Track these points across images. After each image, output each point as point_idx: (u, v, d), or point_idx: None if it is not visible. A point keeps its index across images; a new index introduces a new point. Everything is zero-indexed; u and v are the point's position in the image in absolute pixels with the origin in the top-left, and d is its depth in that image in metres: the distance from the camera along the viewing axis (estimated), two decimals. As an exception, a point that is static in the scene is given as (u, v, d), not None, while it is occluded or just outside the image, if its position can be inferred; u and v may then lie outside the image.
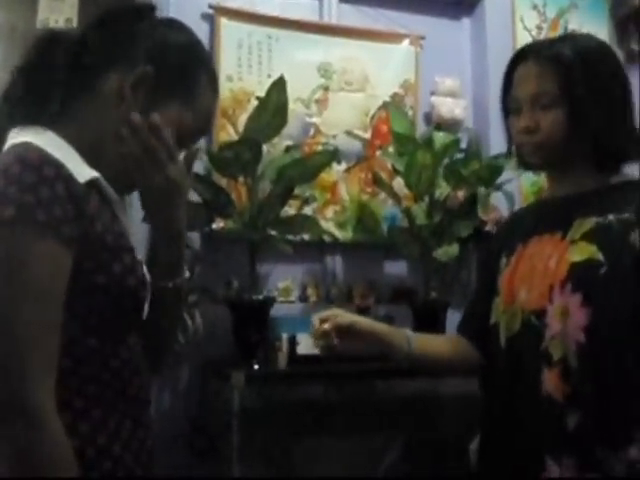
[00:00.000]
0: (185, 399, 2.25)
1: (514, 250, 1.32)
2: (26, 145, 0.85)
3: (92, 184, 0.88)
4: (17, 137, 0.87)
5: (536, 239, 1.29)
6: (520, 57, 1.30)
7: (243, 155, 2.03)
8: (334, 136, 2.62)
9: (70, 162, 0.86)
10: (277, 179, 2.06)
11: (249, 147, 2.02)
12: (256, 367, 2.01)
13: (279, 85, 2.06)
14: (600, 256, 1.17)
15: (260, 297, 2.09)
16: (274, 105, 2.07)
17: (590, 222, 1.21)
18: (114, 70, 0.93)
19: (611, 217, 1.19)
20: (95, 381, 0.88)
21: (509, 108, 1.31)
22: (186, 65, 0.98)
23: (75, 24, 1.90)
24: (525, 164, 1.34)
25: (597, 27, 3.01)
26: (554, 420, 1.20)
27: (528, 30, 2.91)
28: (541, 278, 1.23)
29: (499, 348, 1.31)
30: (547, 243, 1.26)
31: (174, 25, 1.02)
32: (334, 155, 2.19)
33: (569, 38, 1.32)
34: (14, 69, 0.94)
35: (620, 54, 3.00)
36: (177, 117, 0.96)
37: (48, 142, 0.86)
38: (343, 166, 2.61)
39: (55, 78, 0.91)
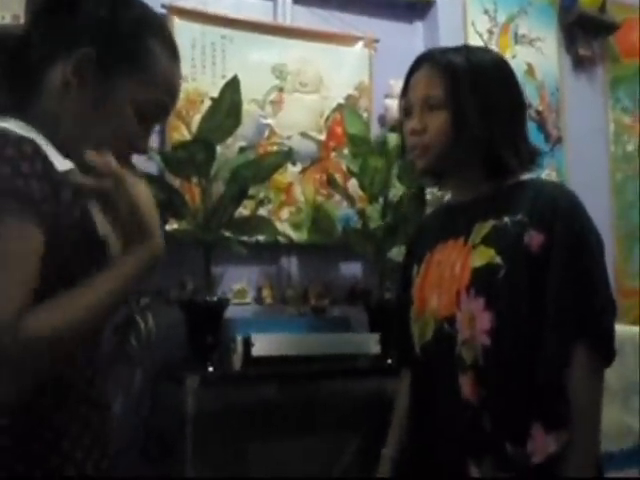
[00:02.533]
0: (138, 403, 2.21)
1: (423, 258, 1.35)
2: (3, 128, 0.83)
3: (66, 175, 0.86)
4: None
5: (441, 245, 1.32)
6: (417, 64, 1.35)
7: (197, 155, 2.01)
8: (289, 137, 2.61)
9: (47, 149, 0.84)
10: (231, 180, 2.04)
11: (203, 147, 2.00)
12: (210, 369, 1.99)
13: (233, 85, 2.05)
14: (498, 259, 1.21)
15: (214, 299, 2.07)
16: (228, 105, 2.06)
17: (488, 225, 1.26)
18: (60, 59, 0.90)
19: (506, 219, 1.24)
20: (59, 384, 0.86)
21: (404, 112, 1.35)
22: (133, 36, 0.94)
23: (22, 20, 1.85)
24: (418, 171, 1.35)
25: (546, 32, 3.09)
26: (472, 423, 1.22)
27: (479, 34, 2.95)
28: (449, 284, 1.26)
29: (415, 356, 1.33)
30: (452, 249, 1.29)
31: (119, 1, 0.97)
32: (288, 156, 2.19)
33: (465, 49, 1.37)
34: None
35: (568, 59, 3.09)
36: (132, 92, 0.93)
37: (23, 128, 0.85)
38: (298, 167, 2.61)
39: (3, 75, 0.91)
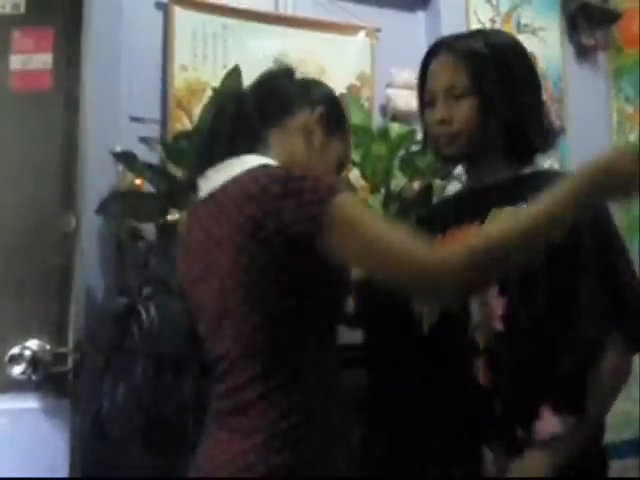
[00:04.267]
0: (140, 393, 2.21)
1: (434, 241, 1.34)
2: (268, 163, 1.13)
3: None
4: (246, 162, 1.13)
5: (455, 228, 1.32)
6: (434, 51, 1.33)
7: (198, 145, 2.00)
8: (290, 128, 2.60)
9: None
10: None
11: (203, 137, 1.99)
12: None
13: (234, 75, 2.04)
14: None
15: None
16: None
17: (505, 211, 1.25)
18: (299, 111, 1.23)
19: (524, 206, 1.24)
20: None
21: (425, 102, 1.33)
22: (337, 109, 1.29)
23: (23, 9, 1.84)
24: (442, 156, 1.36)
25: (549, 22, 3.07)
26: (485, 407, 1.23)
27: (482, 24, 2.94)
28: None
29: (420, 338, 1.33)
30: (466, 231, 1.30)
31: (317, 81, 1.37)
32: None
33: (480, 33, 1.37)
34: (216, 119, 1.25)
35: (571, 49, 3.07)
36: (338, 149, 1.27)
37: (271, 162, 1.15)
38: (300, 157, 2.60)
39: (251, 121, 1.20)
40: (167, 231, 2.29)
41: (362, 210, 1.06)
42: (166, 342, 2.15)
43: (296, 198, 1.02)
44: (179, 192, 2.05)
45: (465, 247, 0.98)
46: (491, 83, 1.27)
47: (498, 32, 1.46)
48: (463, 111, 1.28)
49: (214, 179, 1.15)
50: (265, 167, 1.12)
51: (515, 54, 1.33)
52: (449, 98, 1.29)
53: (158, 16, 2.51)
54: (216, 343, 1.18)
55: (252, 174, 1.09)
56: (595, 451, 1.27)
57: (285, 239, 1.04)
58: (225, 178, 1.13)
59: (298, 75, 1.33)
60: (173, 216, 2.22)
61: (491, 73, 1.28)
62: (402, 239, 1.00)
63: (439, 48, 1.34)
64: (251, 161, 1.13)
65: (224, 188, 1.12)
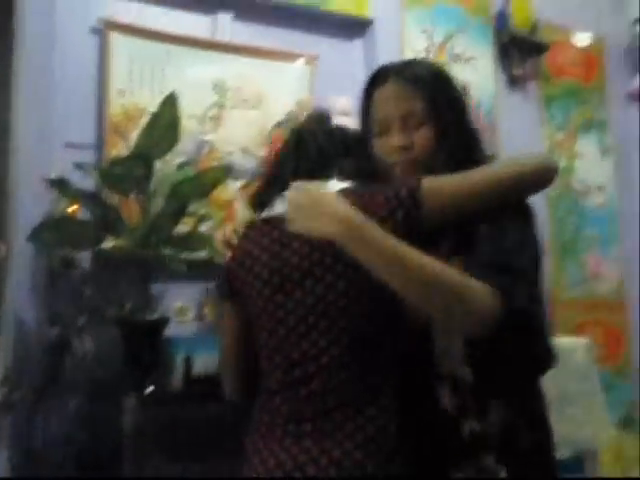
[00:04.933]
0: (74, 426, 2.14)
1: None
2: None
3: None
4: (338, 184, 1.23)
5: None
6: (379, 79, 1.33)
7: (134, 171, 1.98)
8: (230, 153, 2.60)
9: None
10: (170, 196, 2.01)
11: (141, 163, 1.97)
12: (150, 389, 1.94)
13: (171, 100, 2.03)
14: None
15: (152, 317, 2.03)
16: (166, 121, 2.04)
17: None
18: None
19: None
20: None
21: (373, 130, 1.34)
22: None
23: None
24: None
25: (481, 52, 3.17)
26: (451, 432, 1.23)
27: (417, 53, 3.01)
28: None
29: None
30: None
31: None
32: (228, 171, 2.18)
33: (418, 61, 1.40)
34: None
35: (503, 78, 3.17)
36: None
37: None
38: (239, 184, 2.60)
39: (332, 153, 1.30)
40: (102, 259, 2.25)
41: None
42: (102, 374, 2.10)
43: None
44: (114, 219, 2.01)
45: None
46: (444, 110, 1.30)
47: (430, 62, 1.50)
48: (422, 138, 1.29)
49: None
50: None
51: (451, 80, 1.37)
52: (407, 125, 1.30)
53: (94, 41, 2.48)
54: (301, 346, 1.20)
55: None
56: (547, 464, 1.29)
57: None
58: None
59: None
60: (108, 244, 2.18)
61: (442, 100, 1.31)
62: None
63: (385, 76, 1.34)
64: (340, 184, 1.24)
65: None
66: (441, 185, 1.19)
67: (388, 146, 1.31)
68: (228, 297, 1.31)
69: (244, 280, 1.27)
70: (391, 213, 1.16)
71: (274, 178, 1.34)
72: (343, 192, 1.20)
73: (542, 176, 1.26)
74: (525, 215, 1.27)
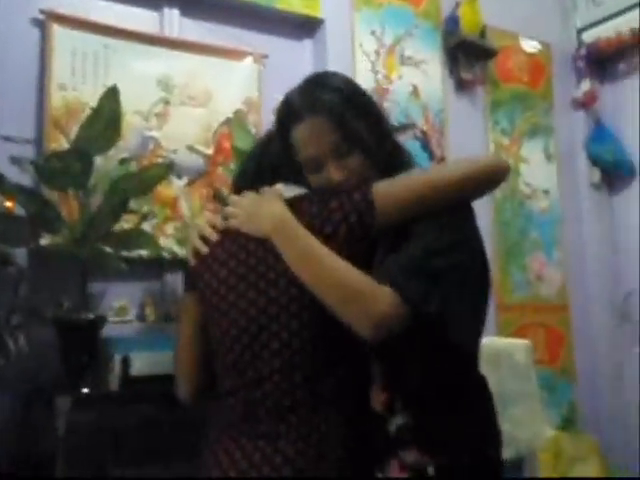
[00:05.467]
0: (7, 428, 2.07)
1: None
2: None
3: None
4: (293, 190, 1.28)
5: None
6: (291, 117, 1.30)
7: (72, 166, 1.92)
8: (175, 151, 2.56)
9: None
10: (110, 192, 1.96)
11: (79, 158, 1.92)
12: (85, 390, 1.89)
13: (112, 95, 1.98)
14: None
15: (89, 317, 1.97)
16: (107, 116, 1.99)
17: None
18: None
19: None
20: None
21: (304, 166, 1.32)
22: None
23: None
24: None
25: (431, 56, 3.20)
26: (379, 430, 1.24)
27: (367, 55, 3.02)
28: None
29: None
30: None
31: None
32: (170, 168, 2.13)
33: (323, 84, 1.32)
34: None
35: (451, 82, 3.20)
36: None
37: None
38: (184, 181, 2.56)
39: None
40: (41, 256, 2.19)
41: None
42: (36, 374, 2.04)
43: None
44: (51, 215, 1.96)
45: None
46: (368, 133, 1.29)
47: (335, 75, 1.46)
48: (356, 165, 1.29)
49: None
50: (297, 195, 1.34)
51: (361, 92, 1.36)
52: (338, 157, 1.29)
53: (34, 33, 2.41)
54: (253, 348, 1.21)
55: None
56: (491, 460, 1.29)
57: None
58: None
59: None
60: (46, 240, 2.12)
61: (363, 123, 1.30)
62: None
63: (299, 112, 1.31)
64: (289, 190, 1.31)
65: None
66: (392, 187, 1.21)
67: (326, 181, 1.29)
68: (191, 289, 1.34)
69: (202, 276, 1.29)
70: (345, 217, 1.18)
71: (241, 184, 1.40)
72: (297, 198, 1.25)
73: (492, 175, 1.27)
74: (464, 215, 1.28)
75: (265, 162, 1.41)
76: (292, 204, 1.25)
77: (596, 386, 3.49)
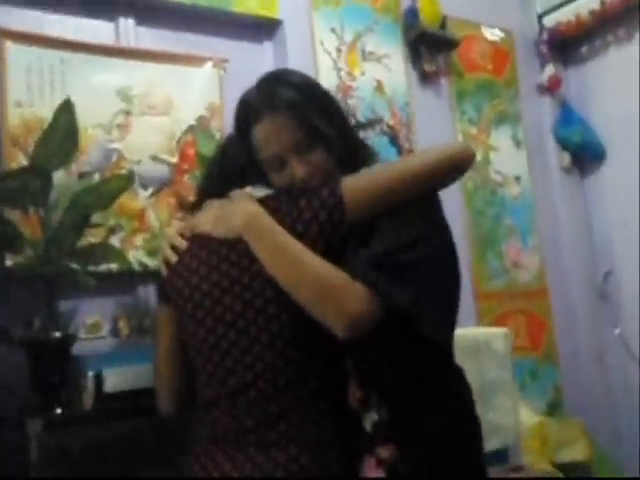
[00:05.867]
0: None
1: None
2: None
3: None
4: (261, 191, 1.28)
5: None
6: (250, 117, 1.28)
7: (31, 184, 1.89)
8: (138, 162, 2.53)
9: None
10: (70, 207, 1.93)
11: (36, 175, 1.88)
12: (58, 411, 1.86)
13: (66, 108, 1.95)
14: None
15: (56, 335, 1.94)
16: (63, 130, 1.95)
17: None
18: None
19: None
20: None
21: (266, 166, 1.30)
22: None
23: None
24: None
25: (392, 49, 3.19)
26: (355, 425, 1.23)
27: (328, 53, 3.00)
28: None
29: None
30: None
31: None
32: (130, 179, 2.10)
33: (280, 81, 1.32)
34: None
35: (415, 75, 3.20)
36: None
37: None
38: (150, 192, 2.53)
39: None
40: (4, 277, 2.15)
41: None
42: (7, 398, 2.00)
43: None
44: (12, 235, 1.92)
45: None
46: (327, 127, 1.28)
47: (291, 72, 1.45)
48: (319, 161, 1.28)
49: None
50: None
51: (320, 87, 1.36)
52: (301, 153, 1.27)
53: (-13, 51, 2.37)
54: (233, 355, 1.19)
55: None
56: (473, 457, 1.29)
57: None
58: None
59: None
60: (9, 261, 2.08)
61: (321, 115, 1.29)
62: None
63: (257, 112, 1.29)
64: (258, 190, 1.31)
65: None
66: (360, 182, 1.21)
67: (290, 179, 1.28)
68: (164, 301, 1.32)
69: (174, 286, 1.27)
70: (315, 215, 1.17)
71: (206, 189, 1.41)
72: (266, 198, 1.25)
73: (459, 161, 1.27)
74: (429, 206, 1.27)
75: (228, 165, 1.39)
76: (263, 203, 1.24)
77: (580, 369, 3.50)
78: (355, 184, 1.20)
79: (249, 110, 1.29)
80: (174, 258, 1.30)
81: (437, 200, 1.28)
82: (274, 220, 1.20)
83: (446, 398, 1.29)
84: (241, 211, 1.22)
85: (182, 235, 1.33)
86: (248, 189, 1.30)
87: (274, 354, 1.16)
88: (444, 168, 1.25)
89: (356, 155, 1.35)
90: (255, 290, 1.18)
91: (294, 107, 1.26)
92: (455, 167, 1.28)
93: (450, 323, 1.28)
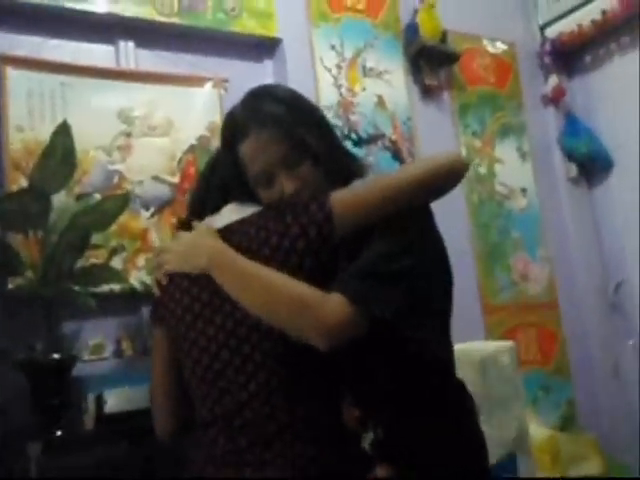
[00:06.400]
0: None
1: None
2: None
3: None
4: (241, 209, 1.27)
5: None
6: (237, 133, 1.27)
7: (29, 207, 1.90)
8: (140, 182, 2.54)
9: None
10: (68, 228, 1.93)
11: (35, 198, 1.89)
12: (58, 433, 1.85)
13: (63, 130, 1.96)
14: None
15: (56, 357, 1.94)
16: (60, 152, 1.97)
17: None
18: None
19: None
20: None
21: (254, 182, 1.29)
22: None
23: None
24: None
25: (393, 65, 3.19)
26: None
27: (328, 69, 3.01)
28: None
29: None
30: None
31: None
32: (126, 199, 2.11)
33: (266, 96, 1.31)
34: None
35: (416, 89, 3.19)
36: None
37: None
38: (152, 212, 2.54)
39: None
40: (5, 301, 2.16)
41: None
42: (8, 421, 2.00)
43: None
44: (11, 258, 1.93)
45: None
46: (313, 138, 1.27)
47: (277, 87, 1.45)
48: (308, 175, 1.26)
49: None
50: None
51: (306, 101, 1.35)
52: (289, 169, 1.26)
53: (-11, 77, 2.40)
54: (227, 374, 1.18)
55: None
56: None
57: None
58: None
59: None
60: (9, 285, 2.09)
61: (308, 131, 1.28)
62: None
63: (244, 128, 1.27)
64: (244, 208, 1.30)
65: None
66: (350, 195, 1.20)
67: (279, 195, 1.27)
68: (158, 321, 1.32)
69: (167, 306, 1.27)
70: (303, 230, 1.16)
71: (195, 204, 1.40)
72: (230, 225, 1.24)
73: (450, 172, 1.25)
74: (419, 218, 1.25)
75: (214, 182, 1.38)
76: (230, 230, 1.24)
77: (593, 382, 3.44)
78: (344, 197, 1.19)
79: (235, 126, 1.28)
80: (165, 280, 1.30)
81: (429, 211, 1.27)
82: (247, 242, 1.20)
83: (446, 414, 1.26)
84: (204, 249, 1.21)
85: None
86: (232, 206, 1.29)
87: (268, 373, 1.15)
88: (436, 179, 1.23)
89: (346, 168, 1.34)
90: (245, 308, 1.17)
91: (280, 122, 1.25)
92: (447, 177, 1.26)
93: (439, 332, 1.26)
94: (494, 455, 2.16)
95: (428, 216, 1.27)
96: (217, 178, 1.38)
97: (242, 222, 1.25)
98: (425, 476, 1.20)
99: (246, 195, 1.30)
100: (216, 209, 1.31)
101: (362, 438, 1.22)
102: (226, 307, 1.19)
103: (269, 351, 1.15)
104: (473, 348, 2.31)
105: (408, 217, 1.21)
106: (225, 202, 1.31)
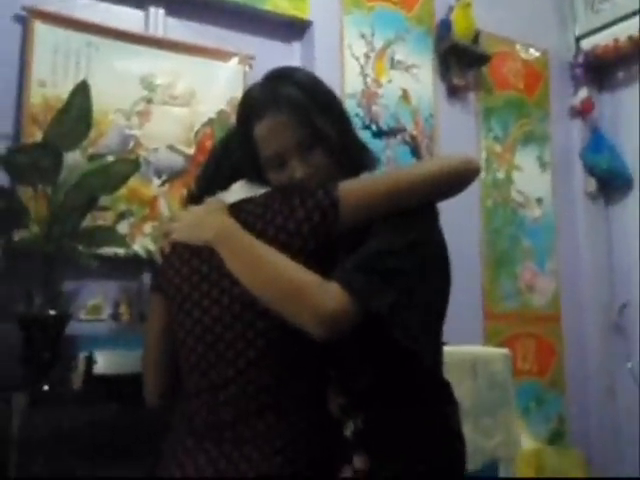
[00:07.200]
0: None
1: None
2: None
3: None
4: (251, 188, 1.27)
5: None
6: (253, 114, 1.25)
7: (41, 161, 1.90)
8: (155, 150, 2.54)
9: None
10: (76, 187, 1.94)
11: (48, 153, 1.90)
12: (45, 388, 1.86)
13: (82, 90, 1.96)
14: None
15: (52, 313, 1.95)
16: (77, 111, 1.97)
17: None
18: None
19: None
20: None
21: (266, 165, 1.29)
22: None
23: None
24: None
25: (422, 60, 3.17)
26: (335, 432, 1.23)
27: (356, 58, 2.99)
28: None
29: None
30: None
31: None
32: (137, 164, 2.11)
33: (285, 79, 1.28)
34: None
35: (443, 87, 3.16)
36: None
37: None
38: (163, 181, 2.54)
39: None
40: (10, 252, 2.17)
41: None
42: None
43: None
44: (18, 210, 1.94)
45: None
46: (330, 127, 1.27)
47: (297, 70, 1.43)
48: (320, 160, 1.26)
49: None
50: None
51: (325, 87, 1.33)
52: (302, 153, 1.26)
53: (16, 29, 2.41)
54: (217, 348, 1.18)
55: None
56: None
57: None
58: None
59: None
60: (14, 236, 2.10)
61: (324, 118, 1.27)
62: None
63: (261, 109, 1.26)
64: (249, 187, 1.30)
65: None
66: (359, 186, 1.19)
67: (289, 179, 1.26)
68: (156, 289, 1.32)
69: (166, 274, 1.28)
70: (308, 215, 1.16)
71: (205, 179, 1.40)
72: (247, 200, 1.24)
73: (461, 174, 1.24)
74: (423, 216, 1.24)
75: (225, 161, 1.39)
76: (238, 207, 1.24)
77: (586, 400, 3.42)
78: (353, 187, 1.19)
79: (252, 107, 1.27)
80: (168, 248, 1.30)
81: (434, 211, 1.26)
82: (252, 221, 1.19)
83: (426, 411, 1.25)
84: (213, 223, 1.21)
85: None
86: (241, 184, 1.29)
87: (257, 352, 1.15)
88: (446, 179, 1.23)
89: (359, 160, 1.33)
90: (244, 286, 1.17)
91: (298, 107, 1.24)
92: (457, 180, 1.25)
93: (431, 334, 1.25)
94: (476, 460, 2.17)
95: (433, 216, 1.26)
96: (229, 155, 1.38)
97: (249, 201, 1.25)
98: (400, 469, 1.20)
99: (255, 174, 1.30)
100: (224, 186, 1.31)
101: (345, 426, 1.22)
102: (224, 282, 1.19)
103: (261, 331, 1.15)
104: (467, 351, 2.30)
105: (414, 215, 1.21)
106: (234, 180, 1.31)
